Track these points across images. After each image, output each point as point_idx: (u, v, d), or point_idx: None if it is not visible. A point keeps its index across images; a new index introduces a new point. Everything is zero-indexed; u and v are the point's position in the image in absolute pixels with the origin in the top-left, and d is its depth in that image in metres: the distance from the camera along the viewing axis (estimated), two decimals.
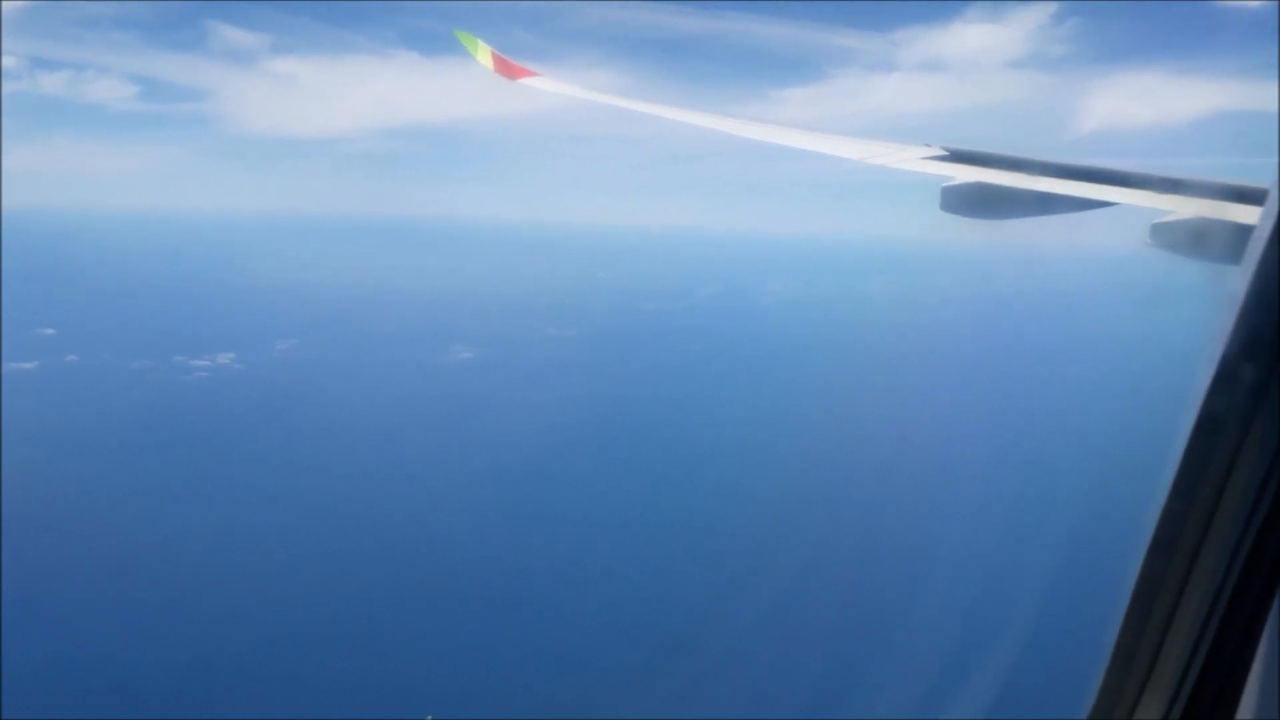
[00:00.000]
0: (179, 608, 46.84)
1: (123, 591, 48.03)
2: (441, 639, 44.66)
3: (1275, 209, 2.11)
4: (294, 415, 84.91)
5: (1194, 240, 6.33)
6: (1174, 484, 2.28)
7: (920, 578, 52.48)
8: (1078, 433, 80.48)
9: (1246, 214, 5.73)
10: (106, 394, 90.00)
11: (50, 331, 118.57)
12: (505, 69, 12.54)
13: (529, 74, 12.48)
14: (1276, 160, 2.33)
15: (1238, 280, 2.19)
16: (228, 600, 47.46)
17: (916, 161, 8.26)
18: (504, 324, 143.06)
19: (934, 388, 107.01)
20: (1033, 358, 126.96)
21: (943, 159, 8.27)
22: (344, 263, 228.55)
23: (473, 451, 74.80)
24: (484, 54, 12.69)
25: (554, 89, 12.27)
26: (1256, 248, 2.12)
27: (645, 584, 51.10)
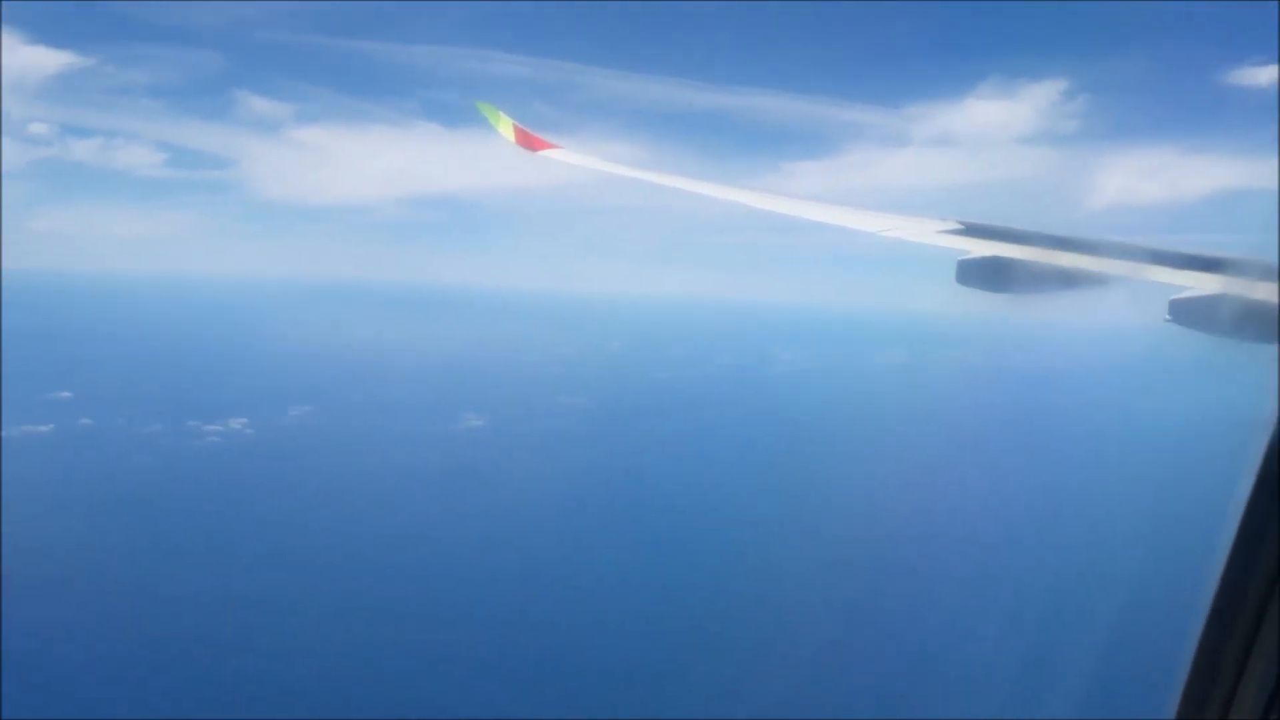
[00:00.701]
0: (187, 672, 46.22)
1: (132, 655, 47.50)
2: (444, 706, 43.79)
3: None
4: (302, 481, 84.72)
5: (1213, 316, 6.31)
6: (1258, 478, 2.27)
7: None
8: (1095, 509, 79.49)
9: (1266, 290, 5.72)
10: (116, 458, 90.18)
11: (66, 395, 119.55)
12: (526, 140, 12.84)
13: (549, 146, 12.75)
14: None
15: None
16: (236, 665, 46.82)
17: (932, 235, 8.30)
18: (515, 392, 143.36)
19: (948, 461, 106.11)
20: (1049, 433, 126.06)
21: (958, 232, 8.31)
22: (361, 329, 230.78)
23: (478, 520, 74.25)
24: (505, 126, 13.01)
25: (573, 160, 12.51)
26: None
27: (652, 657, 50.11)
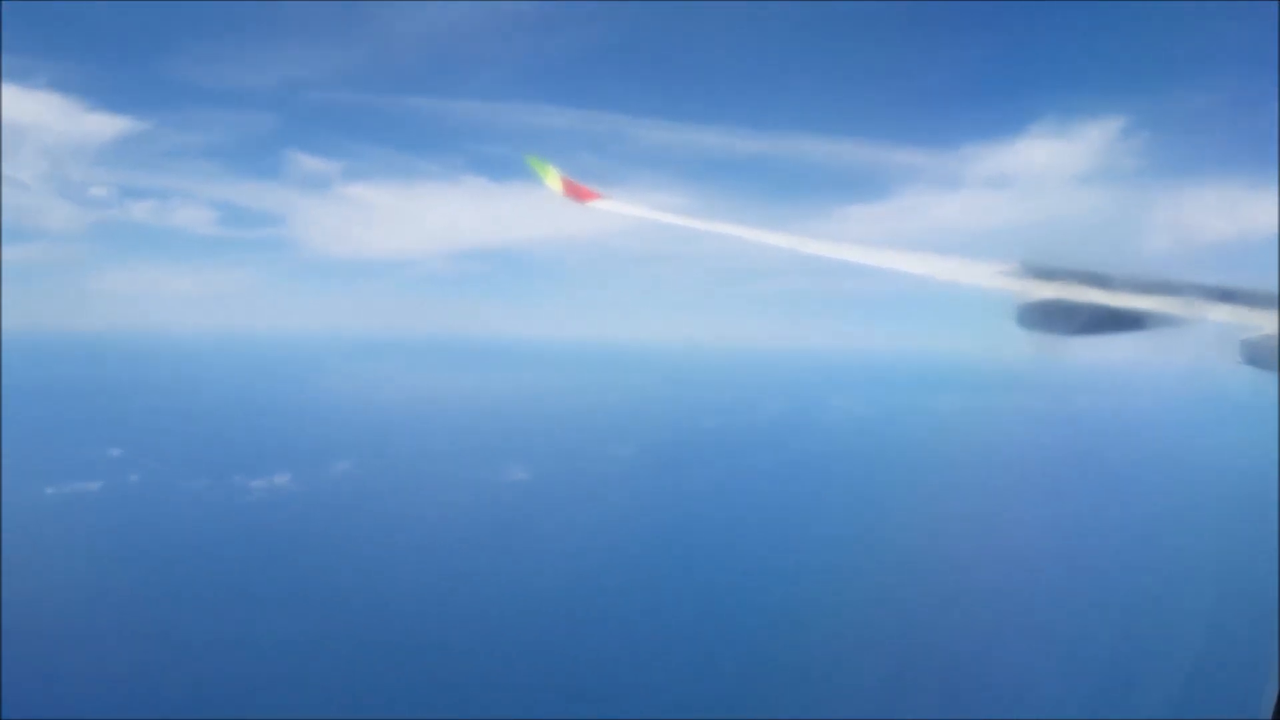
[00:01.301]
0: None
1: (176, 707, 47.87)
2: None
3: None
4: (343, 536, 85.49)
5: None
6: None
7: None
8: (1168, 555, 76.95)
9: None
10: (161, 515, 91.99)
11: (117, 452, 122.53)
12: (574, 192, 13.11)
13: (596, 196, 13.00)
14: None
15: None
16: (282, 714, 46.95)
17: (990, 277, 8.25)
18: (561, 443, 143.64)
19: (1008, 509, 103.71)
20: (1116, 479, 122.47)
21: (1017, 275, 8.26)
22: (407, 382, 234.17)
23: (522, 574, 74.04)
24: (553, 178, 13.33)
25: (621, 210, 12.72)
26: None
27: (702, 708, 49.30)
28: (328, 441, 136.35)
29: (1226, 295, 7.08)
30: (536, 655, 57.63)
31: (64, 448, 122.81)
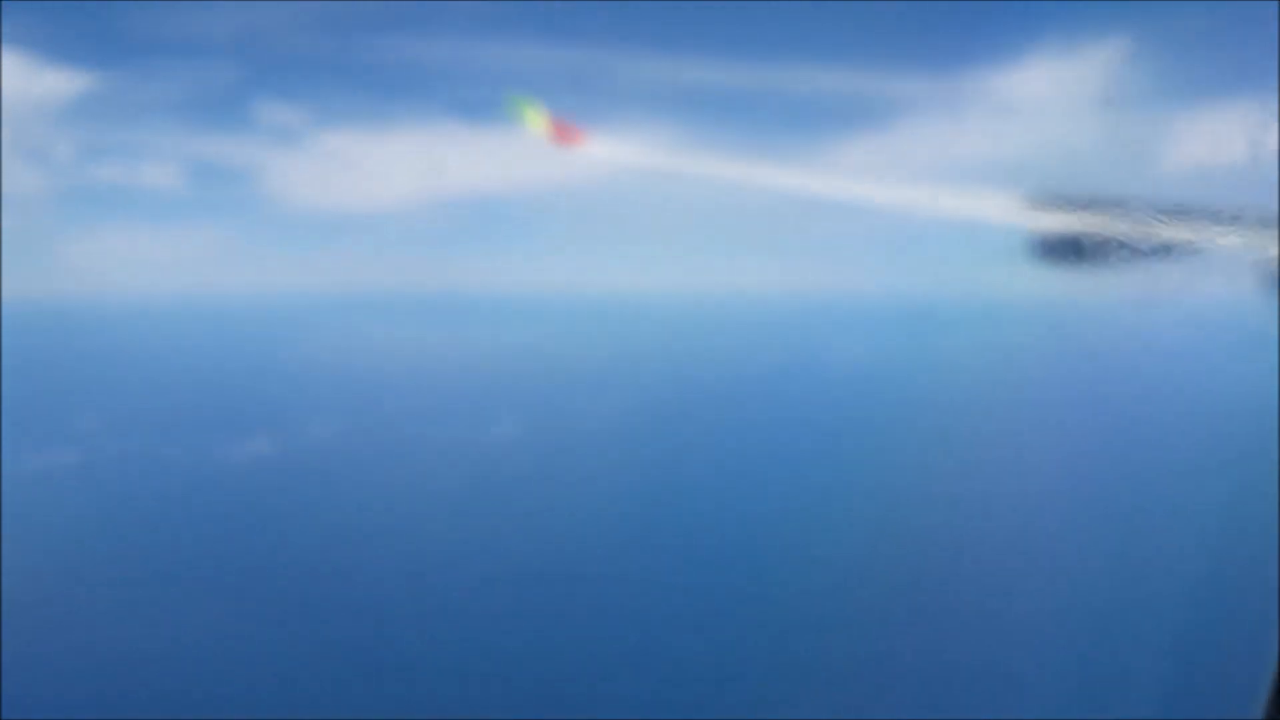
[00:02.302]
0: (213, 705, 47.08)
1: (159, 684, 48.47)
2: None
3: None
4: (323, 501, 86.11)
5: None
6: None
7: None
8: (1198, 504, 77.57)
9: None
10: (138, 485, 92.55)
11: (90, 420, 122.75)
12: (560, 134, 12.89)
13: (583, 138, 12.79)
14: None
15: None
16: (263, 694, 47.58)
17: (1001, 210, 8.15)
18: (551, 399, 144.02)
19: (1024, 457, 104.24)
20: (1142, 422, 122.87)
21: (1030, 206, 8.16)
22: (390, 340, 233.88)
23: (508, 531, 74.57)
24: (537, 120, 13.10)
25: (610, 152, 12.53)
26: None
27: (691, 668, 50.02)
28: (307, 403, 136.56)
29: (1250, 219, 7.01)
30: (526, 621, 58.25)
31: (36, 417, 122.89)
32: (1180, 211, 7.42)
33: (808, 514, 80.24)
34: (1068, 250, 7.82)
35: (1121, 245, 7.50)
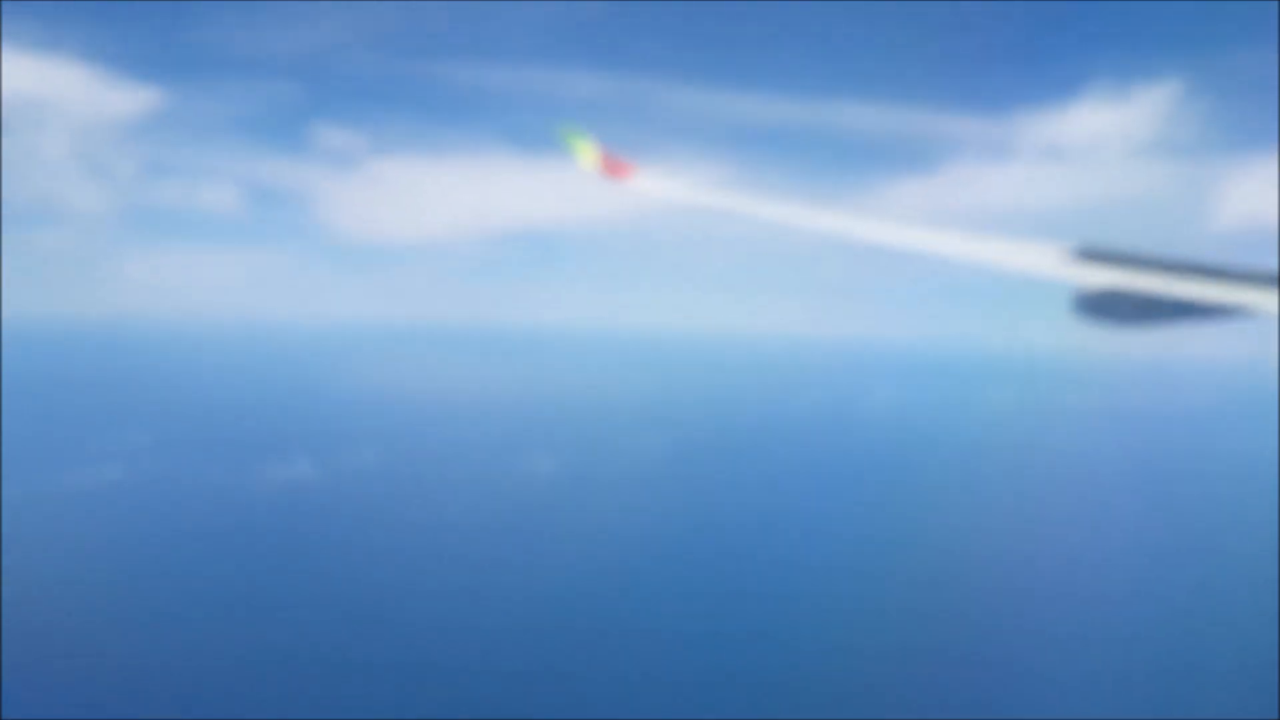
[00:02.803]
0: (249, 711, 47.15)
1: (198, 693, 48.72)
2: None
3: None
4: (360, 526, 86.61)
5: None
6: None
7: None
8: (1228, 559, 75.65)
9: None
10: (178, 503, 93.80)
11: (138, 437, 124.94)
12: (610, 168, 12.98)
13: (632, 172, 12.87)
14: None
15: None
16: (297, 701, 47.60)
17: (1044, 262, 8.08)
18: (591, 434, 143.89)
19: (1055, 509, 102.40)
20: (1177, 480, 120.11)
21: (1072, 259, 8.08)
22: (434, 370, 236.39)
23: (544, 567, 74.31)
24: (588, 154, 13.21)
25: (659, 187, 12.56)
26: None
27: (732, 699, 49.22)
28: (351, 430, 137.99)
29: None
30: (561, 647, 57.90)
31: (85, 435, 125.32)
32: (1229, 273, 7.32)
33: (837, 544, 79.31)
34: (1111, 307, 7.74)
35: (1167, 304, 7.40)
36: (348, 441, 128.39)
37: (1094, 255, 8.12)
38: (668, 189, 12.48)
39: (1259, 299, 7.02)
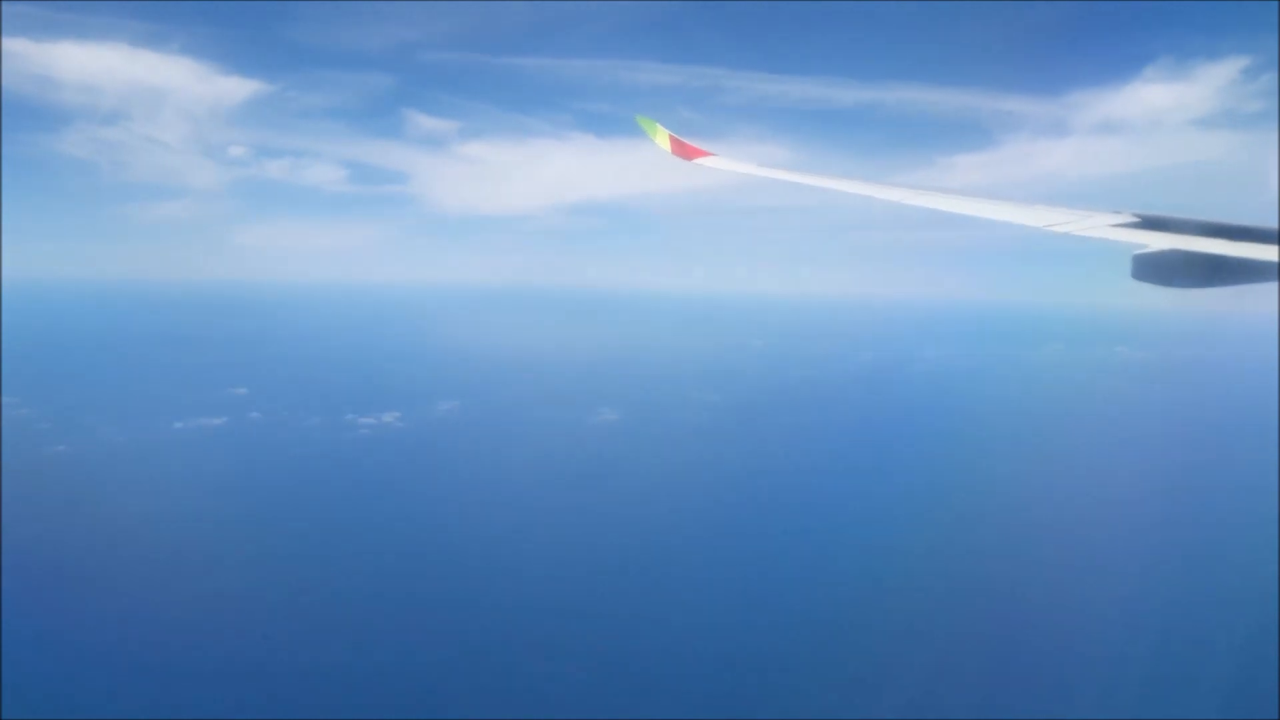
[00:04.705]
0: (336, 649, 49.06)
1: (293, 617, 50.85)
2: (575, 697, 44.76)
3: None
4: (442, 471, 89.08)
5: None
6: None
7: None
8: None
9: None
10: (277, 448, 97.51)
11: (242, 391, 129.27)
12: (681, 150, 13.17)
13: (703, 153, 13.02)
14: None
15: None
16: (384, 642, 49.36)
17: (1104, 228, 8.01)
18: (653, 388, 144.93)
19: (1105, 461, 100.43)
20: (1225, 433, 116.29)
21: (1132, 225, 8.01)
22: (517, 331, 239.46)
23: (610, 512, 75.40)
24: (662, 136, 13.41)
25: (727, 167, 12.71)
26: None
27: (778, 654, 49.67)
28: (436, 384, 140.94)
29: None
30: (620, 592, 58.81)
31: (195, 387, 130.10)
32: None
33: (886, 499, 78.84)
34: (1169, 269, 7.70)
35: (1224, 266, 7.33)
36: (433, 393, 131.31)
37: (1152, 222, 8.05)
38: (735, 168, 12.63)
39: None
